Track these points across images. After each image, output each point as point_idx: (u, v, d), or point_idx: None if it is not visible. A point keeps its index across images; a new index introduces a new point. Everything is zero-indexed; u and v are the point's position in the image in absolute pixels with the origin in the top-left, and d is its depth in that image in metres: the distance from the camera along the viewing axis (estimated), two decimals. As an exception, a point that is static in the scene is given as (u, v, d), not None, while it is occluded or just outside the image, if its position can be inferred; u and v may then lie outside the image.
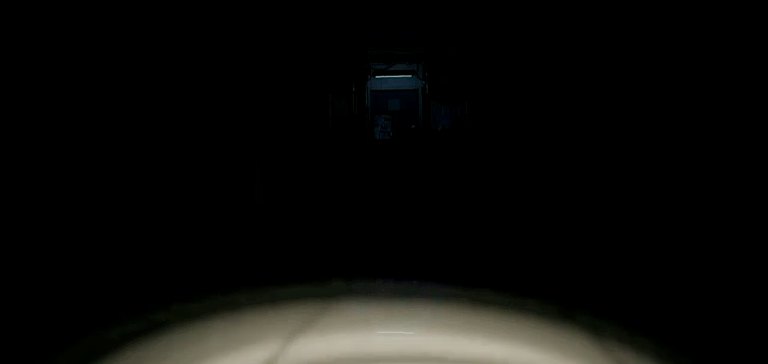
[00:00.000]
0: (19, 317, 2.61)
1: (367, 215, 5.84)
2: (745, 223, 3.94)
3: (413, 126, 12.20)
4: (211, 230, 5.00)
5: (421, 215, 6.11)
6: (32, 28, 4.04)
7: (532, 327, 2.55)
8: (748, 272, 3.54)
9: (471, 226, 5.47)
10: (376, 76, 11.60)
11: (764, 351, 2.41)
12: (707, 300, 3.06)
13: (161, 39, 5.18)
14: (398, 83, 12.14)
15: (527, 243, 4.60)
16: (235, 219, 5.47)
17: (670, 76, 4.74)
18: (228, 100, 5.96)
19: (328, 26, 7.73)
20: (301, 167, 6.98)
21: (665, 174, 4.75)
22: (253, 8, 6.06)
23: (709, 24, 4.33)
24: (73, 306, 2.81)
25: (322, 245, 4.42)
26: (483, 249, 4.38)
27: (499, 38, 7.97)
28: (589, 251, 4.29)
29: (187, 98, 5.48)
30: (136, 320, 2.56)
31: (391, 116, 12.44)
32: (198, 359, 2.18)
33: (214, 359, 2.18)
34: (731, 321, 2.73)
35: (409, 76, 11.88)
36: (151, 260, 3.77)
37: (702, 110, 4.45)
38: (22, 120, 3.96)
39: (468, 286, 3.28)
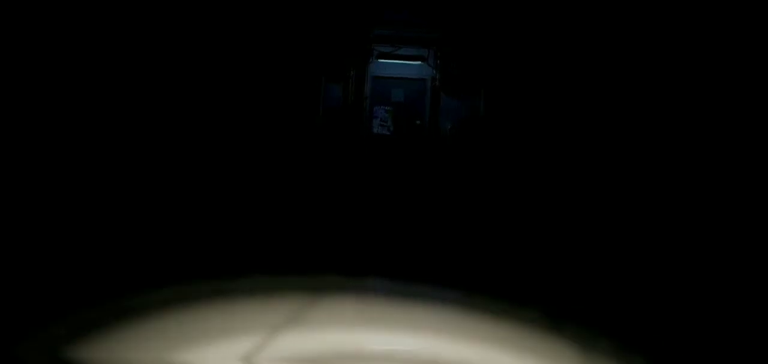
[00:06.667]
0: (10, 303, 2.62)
1: (359, 220, 5.53)
2: (738, 234, 4.01)
3: (418, 122, 11.33)
4: (203, 220, 4.94)
5: (415, 220, 5.86)
6: (29, 28, 4.05)
7: (519, 338, 2.51)
8: (740, 283, 3.58)
9: (467, 230, 5.41)
10: (380, 60, 10.88)
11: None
12: (697, 312, 3.08)
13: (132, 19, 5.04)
14: (404, 70, 11.33)
15: (522, 249, 4.57)
16: (227, 212, 5.34)
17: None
18: (208, 83, 5.69)
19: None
20: (290, 161, 6.66)
21: (664, 180, 4.67)
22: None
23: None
24: (56, 292, 2.80)
25: (316, 244, 4.38)
26: (477, 253, 4.34)
27: (526, 24, 7.46)
28: (579, 260, 4.26)
29: (171, 86, 5.34)
30: (124, 306, 2.58)
31: (392, 108, 11.57)
32: (178, 346, 2.17)
33: (195, 347, 2.17)
34: (722, 333, 2.76)
35: (418, 62, 11.16)
36: (142, 250, 3.79)
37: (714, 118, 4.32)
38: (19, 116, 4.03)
39: (459, 290, 3.27)
